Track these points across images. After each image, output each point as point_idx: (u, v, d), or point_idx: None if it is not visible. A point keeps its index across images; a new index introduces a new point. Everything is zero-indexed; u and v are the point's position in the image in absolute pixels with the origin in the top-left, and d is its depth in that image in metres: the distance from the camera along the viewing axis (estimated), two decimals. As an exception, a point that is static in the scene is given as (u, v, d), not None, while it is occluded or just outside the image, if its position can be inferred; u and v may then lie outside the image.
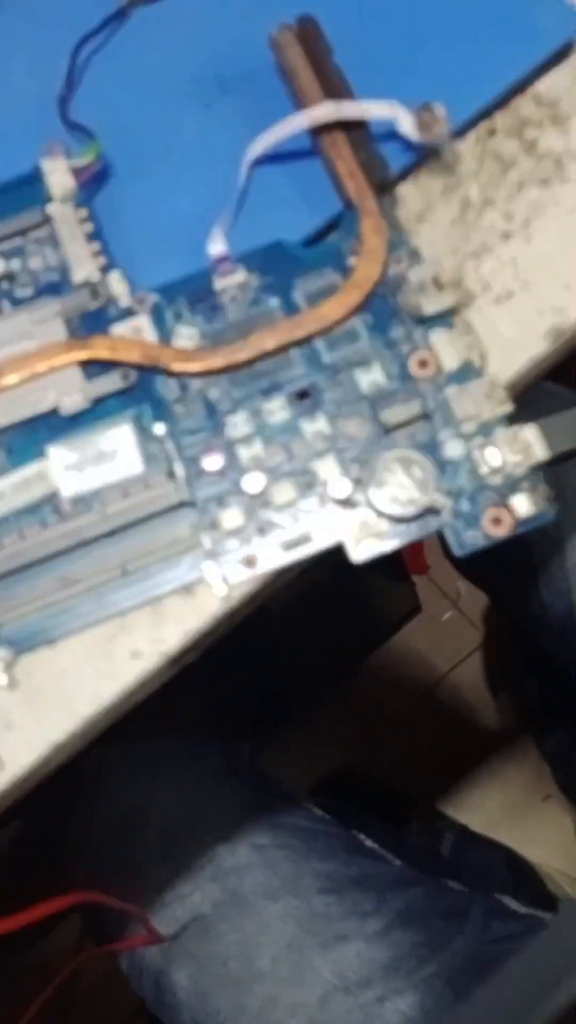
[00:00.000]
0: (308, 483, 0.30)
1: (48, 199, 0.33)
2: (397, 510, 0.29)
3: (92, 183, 0.33)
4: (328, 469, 0.30)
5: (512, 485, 0.30)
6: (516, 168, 0.33)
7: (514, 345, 0.31)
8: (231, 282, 0.32)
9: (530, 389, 0.32)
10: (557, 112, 0.33)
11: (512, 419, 0.30)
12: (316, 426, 0.31)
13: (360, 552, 0.30)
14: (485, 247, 0.32)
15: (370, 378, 0.31)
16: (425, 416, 0.30)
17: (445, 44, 0.34)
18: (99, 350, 0.31)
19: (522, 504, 0.29)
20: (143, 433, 0.31)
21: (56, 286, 0.32)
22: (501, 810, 0.92)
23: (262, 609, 0.33)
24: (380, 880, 0.52)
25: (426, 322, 0.31)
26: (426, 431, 0.30)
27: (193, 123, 0.34)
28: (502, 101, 0.34)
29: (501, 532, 0.29)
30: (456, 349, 0.31)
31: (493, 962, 0.50)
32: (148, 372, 0.31)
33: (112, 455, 0.31)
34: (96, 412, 0.31)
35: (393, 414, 0.30)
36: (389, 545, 0.30)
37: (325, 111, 0.31)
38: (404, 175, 0.33)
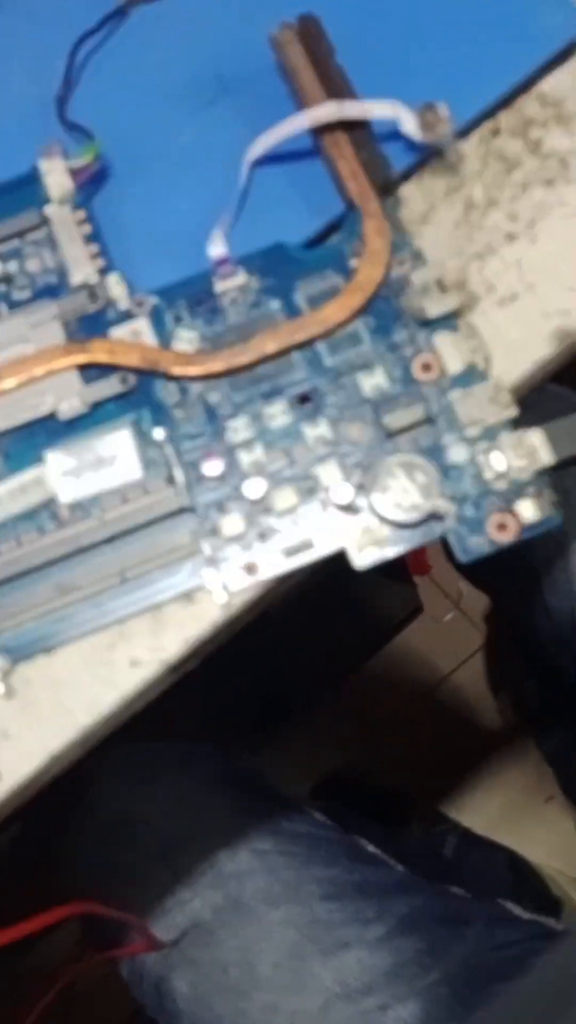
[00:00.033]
0: (310, 488, 0.30)
1: (46, 200, 0.32)
2: (400, 516, 0.29)
3: (90, 184, 0.33)
4: (330, 474, 0.30)
5: (517, 490, 0.29)
6: (520, 168, 0.33)
7: (519, 348, 0.31)
8: (231, 284, 0.31)
9: (534, 391, 0.32)
10: (562, 111, 0.33)
11: (517, 423, 0.30)
12: (318, 430, 0.30)
13: (363, 559, 0.29)
14: (489, 248, 0.32)
15: (372, 382, 0.30)
16: (428, 420, 0.30)
17: (448, 43, 0.33)
18: (98, 354, 0.31)
19: (527, 510, 0.29)
20: (142, 438, 0.30)
21: (54, 289, 0.32)
22: (502, 811, 0.92)
23: (262, 611, 0.32)
24: (382, 886, 0.52)
25: (429, 325, 0.30)
26: (430, 435, 0.30)
27: (193, 123, 0.34)
28: (506, 100, 0.33)
29: (506, 538, 0.29)
30: (460, 352, 0.30)
31: (496, 969, 0.50)
32: (147, 376, 0.31)
33: (111, 460, 0.30)
34: (95, 417, 0.31)
35: (396, 418, 0.30)
36: (392, 552, 0.29)
37: (327, 111, 0.31)
38: (407, 176, 0.33)
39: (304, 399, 0.30)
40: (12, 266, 0.32)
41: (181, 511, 0.30)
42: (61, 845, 0.54)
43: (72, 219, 0.32)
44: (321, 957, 0.48)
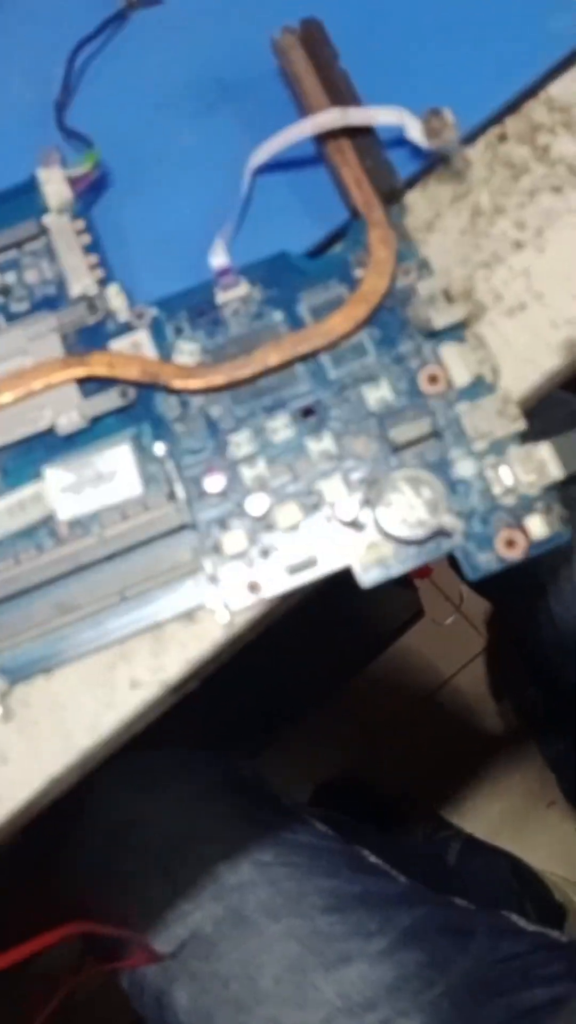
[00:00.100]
0: (313, 504, 0.29)
1: (44, 210, 0.32)
2: (406, 532, 0.28)
3: (89, 192, 0.32)
4: (334, 489, 0.29)
5: (526, 506, 0.28)
6: (528, 175, 0.32)
7: (527, 359, 0.30)
8: (233, 295, 0.31)
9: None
10: (570, 117, 0.32)
11: (525, 436, 0.29)
12: (322, 445, 0.30)
13: (368, 577, 0.29)
14: (496, 257, 0.31)
15: (378, 394, 0.30)
16: (435, 434, 0.29)
17: (454, 47, 0.33)
18: (97, 367, 0.30)
19: (536, 526, 0.28)
20: (142, 453, 0.30)
21: (52, 300, 0.31)
22: (504, 816, 0.91)
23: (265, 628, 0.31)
24: (384, 898, 0.52)
25: (436, 336, 0.30)
26: (436, 450, 0.29)
27: (193, 130, 0.33)
28: (513, 106, 0.32)
29: (515, 555, 0.28)
30: (467, 364, 0.29)
31: (500, 983, 0.49)
32: (148, 389, 0.30)
33: (110, 476, 0.30)
34: (94, 431, 0.30)
35: (402, 432, 0.29)
36: (398, 569, 0.29)
37: (331, 117, 0.30)
38: (412, 183, 0.32)
39: (308, 413, 0.30)
40: (10, 277, 0.31)
41: (182, 528, 0.29)
42: (61, 853, 0.53)
43: (71, 229, 0.31)
44: (323, 971, 0.48)
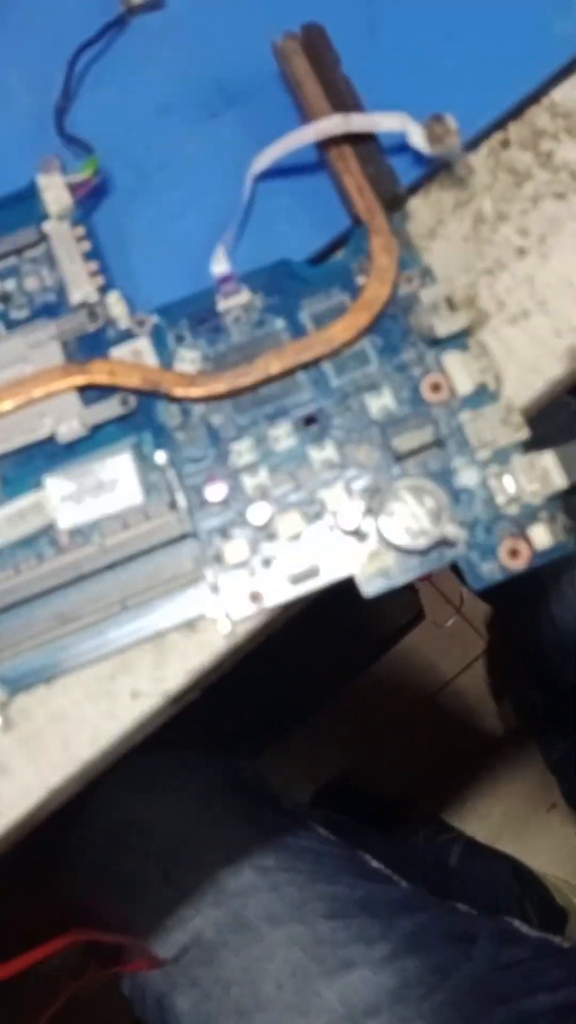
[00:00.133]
0: (316, 513, 0.29)
1: (44, 216, 0.31)
2: (409, 542, 0.28)
3: (90, 199, 0.32)
4: (336, 498, 0.29)
5: (530, 515, 0.28)
6: (531, 181, 0.32)
7: (530, 367, 0.30)
8: (235, 303, 0.30)
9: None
10: (573, 123, 0.32)
11: (528, 445, 0.29)
12: (324, 453, 0.29)
13: (371, 587, 0.28)
14: (499, 264, 0.31)
15: (380, 403, 0.30)
16: (438, 443, 0.29)
17: (456, 52, 0.32)
18: (97, 375, 0.30)
19: (540, 535, 0.28)
20: (143, 461, 0.30)
21: (53, 307, 0.31)
22: (505, 819, 0.91)
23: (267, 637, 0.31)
24: (387, 903, 0.51)
25: (439, 344, 0.30)
26: (439, 458, 0.29)
27: (195, 136, 0.33)
28: (516, 112, 0.32)
29: (519, 565, 0.28)
30: (470, 372, 0.29)
31: (503, 989, 0.49)
32: (148, 397, 0.30)
33: (111, 485, 0.30)
34: (95, 439, 0.30)
35: (404, 441, 0.29)
36: (401, 579, 0.29)
37: (333, 124, 0.30)
38: (414, 189, 0.32)
39: (310, 421, 0.30)
40: (10, 284, 0.31)
41: (183, 537, 0.29)
42: (62, 855, 0.53)
43: (71, 235, 0.31)
44: (325, 977, 0.48)
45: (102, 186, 0.32)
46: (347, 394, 0.30)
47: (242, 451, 0.29)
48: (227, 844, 0.51)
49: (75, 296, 0.31)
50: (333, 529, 0.29)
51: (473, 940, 0.51)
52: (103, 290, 0.31)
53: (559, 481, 0.28)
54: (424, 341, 0.30)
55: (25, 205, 0.32)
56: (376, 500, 0.29)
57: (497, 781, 0.93)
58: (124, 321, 0.30)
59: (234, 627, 0.29)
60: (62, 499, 0.29)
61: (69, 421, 0.30)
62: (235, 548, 0.29)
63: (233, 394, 0.30)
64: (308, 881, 0.50)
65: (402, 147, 0.31)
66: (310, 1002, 0.47)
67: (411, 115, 0.30)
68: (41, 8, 0.34)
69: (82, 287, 0.31)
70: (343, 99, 0.31)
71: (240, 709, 0.72)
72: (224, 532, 0.29)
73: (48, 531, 0.29)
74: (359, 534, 0.29)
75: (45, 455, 0.30)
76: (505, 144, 0.32)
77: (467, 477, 0.29)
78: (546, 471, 0.28)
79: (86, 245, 0.31)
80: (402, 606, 0.94)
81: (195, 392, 0.29)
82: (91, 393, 0.30)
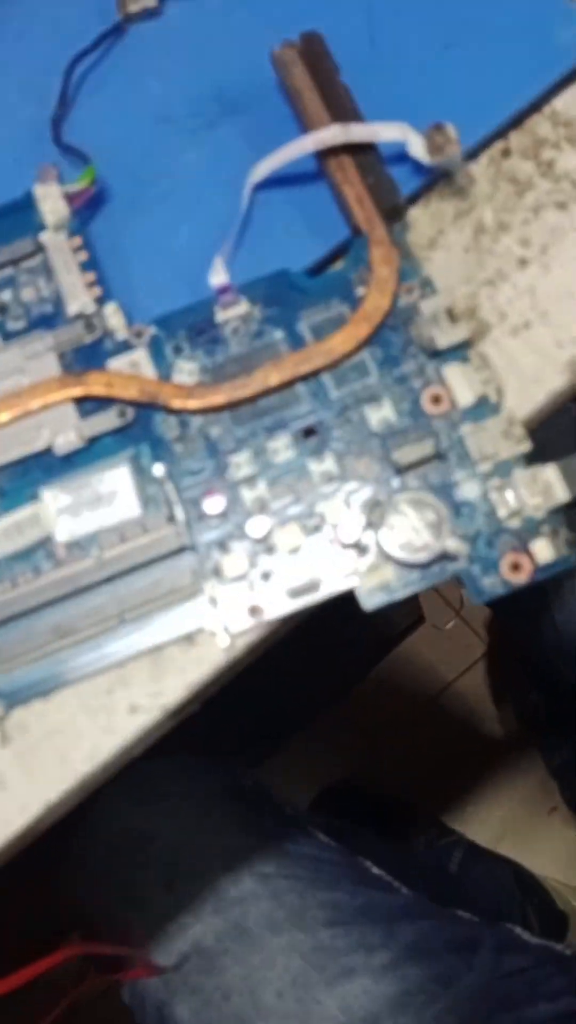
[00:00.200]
0: (315, 526, 0.29)
1: (41, 227, 0.31)
2: (410, 556, 0.28)
3: (87, 209, 0.32)
4: (336, 511, 0.29)
5: (532, 529, 0.28)
6: (532, 191, 0.31)
7: (532, 379, 0.30)
8: (233, 314, 0.30)
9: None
10: (575, 131, 0.32)
11: (530, 458, 0.28)
12: (323, 466, 0.29)
13: (371, 601, 0.28)
14: (500, 275, 0.31)
15: (380, 415, 0.29)
16: (439, 455, 0.29)
17: (457, 61, 0.32)
18: (95, 386, 0.29)
19: (542, 549, 0.28)
20: (141, 474, 0.29)
21: (49, 318, 0.31)
22: (505, 822, 0.91)
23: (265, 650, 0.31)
24: (387, 911, 0.51)
25: (439, 355, 0.29)
26: (440, 471, 0.29)
27: (193, 145, 0.32)
28: (517, 120, 0.32)
29: (520, 579, 0.28)
30: (471, 384, 0.29)
31: (505, 998, 0.49)
32: (146, 409, 0.30)
33: (109, 497, 0.29)
34: (92, 452, 0.30)
35: (405, 453, 0.29)
36: (402, 593, 0.28)
37: (332, 134, 0.30)
38: (414, 199, 0.32)
39: (309, 433, 0.29)
40: (6, 295, 0.31)
41: (182, 550, 0.29)
42: (63, 862, 0.53)
43: (68, 246, 0.31)
44: (326, 985, 0.47)
45: (99, 196, 0.32)
46: (347, 406, 0.29)
47: (241, 463, 0.29)
48: (227, 852, 0.50)
49: (72, 307, 0.31)
50: (333, 542, 0.29)
51: (475, 948, 0.51)
52: (100, 301, 0.31)
53: (561, 495, 0.28)
54: (424, 353, 0.29)
55: (22, 215, 0.31)
56: (376, 513, 0.29)
57: (497, 784, 0.92)
58: (121, 332, 0.30)
59: (233, 641, 0.29)
60: (59, 512, 0.29)
61: (66, 433, 0.29)
62: (234, 561, 0.29)
63: (232, 406, 0.29)
64: (308, 888, 0.50)
65: (402, 157, 0.31)
66: (311, 1010, 0.47)
67: (411, 124, 0.30)
68: (38, 17, 0.34)
69: (79, 298, 0.30)
70: (342, 108, 0.31)
71: (241, 716, 0.72)
72: (223, 545, 0.29)
73: (45, 544, 0.29)
74: (359, 547, 0.28)
75: (42, 467, 0.30)
76: (506, 153, 0.32)
77: (468, 490, 0.28)
78: (548, 484, 0.28)
79: (83, 255, 0.31)
80: (402, 610, 0.94)
81: (193, 404, 0.29)
82: (88, 405, 0.30)
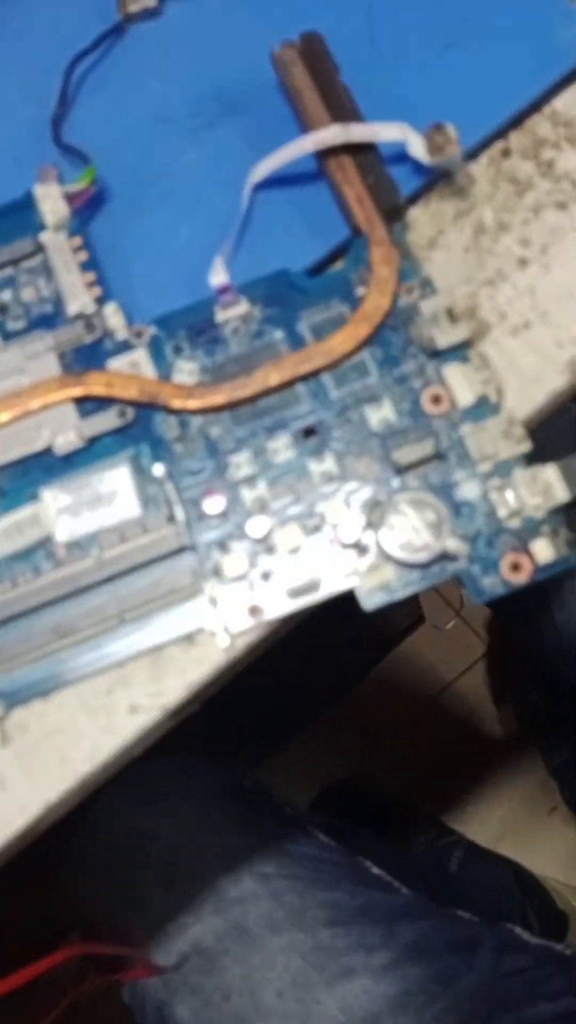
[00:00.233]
0: (315, 526, 0.29)
1: (41, 227, 0.31)
2: (410, 556, 0.28)
3: (87, 209, 0.32)
4: (336, 511, 0.29)
5: (532, 529, 0.28)
6: (532, 191, 0.31)
7: (532, 379, 0.30)
8: (233, 314, 0.30)
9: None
10: (575, 132, 0.32)
11: (531, 458, 0.28)
12: (323, 466, 0.29)
13: (371, 601, 0.28)
14: (501, 274, 0.31)
15: (380, 415, 0.29)
16: (439, 455, 0.29)
17: (457, 61, 0.32)
18: (95, 386, 0.29)
19: (542, 549, 0.28)
20: (141, 474, 0.29)
21: (49, 318, 0.31)
22: (505, 822, 0.91)
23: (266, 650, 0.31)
24: (388, 911, 0.51)
25: (439, 355, 0.29)
26: (440, 471, 0.29)
27: (193, 145, 0.32)
28: (517, 120, 0.32)
29: (520, 579, 0.28)
30: (471, 384, 0.29)
31: (505, 998, 0.49)
32: (146, 409, 0.30)
33: (109, 497, 0.29)
34: (92, 452, 0.30)
35: (405, 453, 0.29)
36: (402, 593, 0.28)
37: (332, 134, 0.30)
38: (415, 199, 0.32)
39: (309, 433, 0.29)
40: (6, 295, 0.31)
41: (182, 550, 0.29)
42: (64, 862, 0.53)
43: (68, 246, 0.31)
44: (326, 985, 0.47)
45: (99, 196, 0.32)
46: (347, 406, 0.29)
47: (241, 463, 0.29)
48: (227, 852, 0.50)
49: (72, 307, 0.30)
50: (333, 542, 0.29)
51: (475, 948, 0.51)
52: (100, 301, 0.31)
53: (562, 495, 0.28)
54: (424, 353, 0.29)
55: (22, 215, 0.31)
56: (376, 513, 0.29)
57: (498, 784, 0.92)
58: (121, 332, 0.30)
59: (233, 641, 0.29)
60: (59, 512, 0.29)
61: (66, 433, 0.29)
62: (234, 561, 0.29)
63: (232, 406, 0.29)
64: (308, 888, 0.50)
65: (402, 157, 0.31)
66: (311, 1010, 0.47)
67: (411, 124, 0.30)
68: (38, 17, 0.34)
69: (79, 298, 0.30)
70: (342, 108, 0.31)
71: (241, 716, 0.72)
72: (223, 545, 0.29)
73: (45, 544, 0.29)
74: (359, 547, 0.28)
75: (42, 467, 0.30)
76: (506, 153, 0.32)
77: (468, 490, 0.28)
78: (548, 484, 0.28)
79: (83, 255, 0.31)
80: (402, 610, 0.94)
81: (193, 404, 0.29)
82: (88, 405, 0.30)
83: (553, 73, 0.31)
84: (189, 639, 0.29)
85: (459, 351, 0.29)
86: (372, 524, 0.28)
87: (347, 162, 0.30)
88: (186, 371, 0.30)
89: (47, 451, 0.30)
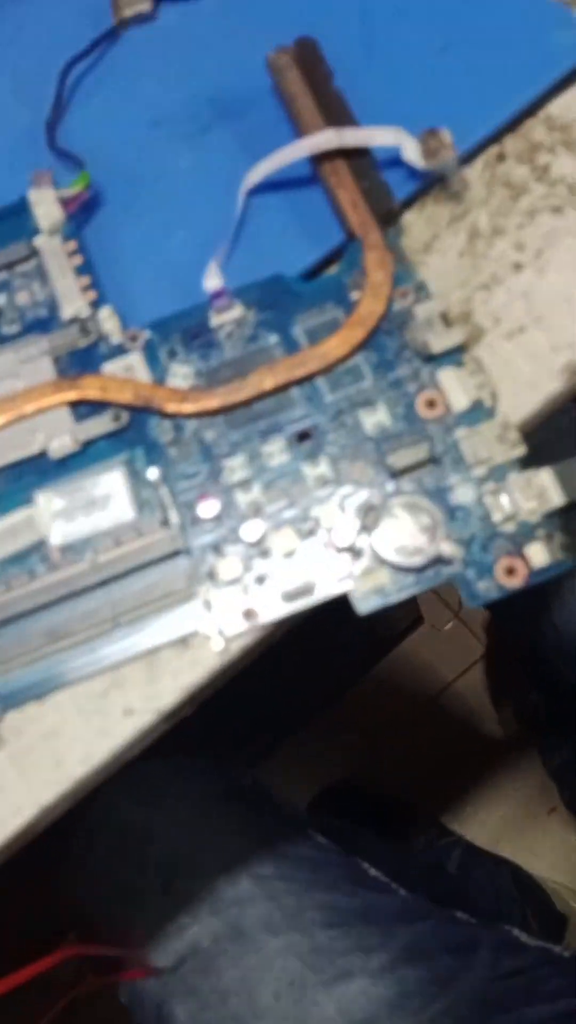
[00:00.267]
0: (309, 530, 0.29)
1: (35, 231, 0.31)
2: (404, 560, 0.28)
3: (81, 213, 0.32)
4: (331, 515, 0.29)
5: (526, 533, 0.28)
6: (527, 195, 0.31)
7: (527, 383, 0.30)
8: (228, 318, 0.30)
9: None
10: (570, 136, 0.32)
11: (525, 462, 0.28)
12: (318, 470, 0.29)
13: (365, 604, 0.28)
14: (495, 279, 0.31)
15: (375, 419, 0.29)
16: (433, 460, 0.29)
17: (452, 66, 0.32)
18: (89, 390, 0.29)
19: (537, 554, 0.28)
20: (135, 478, 0.29)
21: (44, 322, 0.31)
22: (505, 823, 0.91)
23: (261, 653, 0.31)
24: (385, 913, 0.51)
25: (434, 360, 0.29)
26: (434, 475, 0.29)
27: (188, 149, 0.32)
28: (512, 125, 0.32)
29: (515, 583, 0.28)
30: (465, 388, 0.29)
31: (503, 999, 0.49)
32: (141, 413, 0.30)
33: (103, 501, 0.29)
34: (86, 455, 0.30)
35: (399, 457, 0.29)
36: (396, 597, 0.28)
37: (326, 138, 0.30)
38: (409, 204, 0.32)
39: (303, 437, 0.29)
40: (1, 299, 0.31)
41: (176, 554, 0.29)
42: (63, 863, 0.53)
43: (63, 250, 0.31)
44: (323, 987, 0.47)
45: (94, 200, 0.32)
46: (341, 410, 0.29)
47: (235, 467, 0.29)
48: (225, 853, 0.50)
49: (67, 311, 0.31)
50: (327, 546, 0.29)
51: (473, 949, 0.51)
52: (95, 305, 0.31)
53: (556, 499, 0.28)
54: (419, 357, 0.29)
55: (16, 220, 0.31)
56: (371, 517, 0.29)
57: (497, 785, 0.93)
58: (116, 336, 0.30)
59: (227, 644, 0.29)
60: (54, 515, 0.29)
61: (61, 437, 0.29)
62: (228, 565, 0.29)
63: (226, 410, 0.29)
64: (305, 890, 0.50)
65: (396, 161, 0.31)
66: (308, 1012, 0.47)
67: (405, 129, 0.30)
68: (32, 21, 0.34)
69: (74, 302, 0.30)
70: (336, 113, 0.31)
71: (240, 716, 0.72)
72: (217, 549, 0.29)
73: (39, 547, 0.29)
74: (354, 551, 0.29)
75: (36, 471, 0.30)
76: (501, 158, 0.32)
77: (463, 494, 0.28)
78: (543, 488, 0.28)
79: (78, 260, 0.31)
80: (400, 611, 0.94)
81: (188, 408, 0.29)
82: (83, 409, 0.30)
83: (548, 77, 0.31)
84: (183, 642, 0.29)
85: (454, 355, 0.29)
86: (367, 528, 0.29)
87: (341, 167, 0.30)
88: (180, 375, 0.30)
89: (42, 455, 0.30)
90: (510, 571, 0.28)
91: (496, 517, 0.28)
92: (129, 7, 0.34)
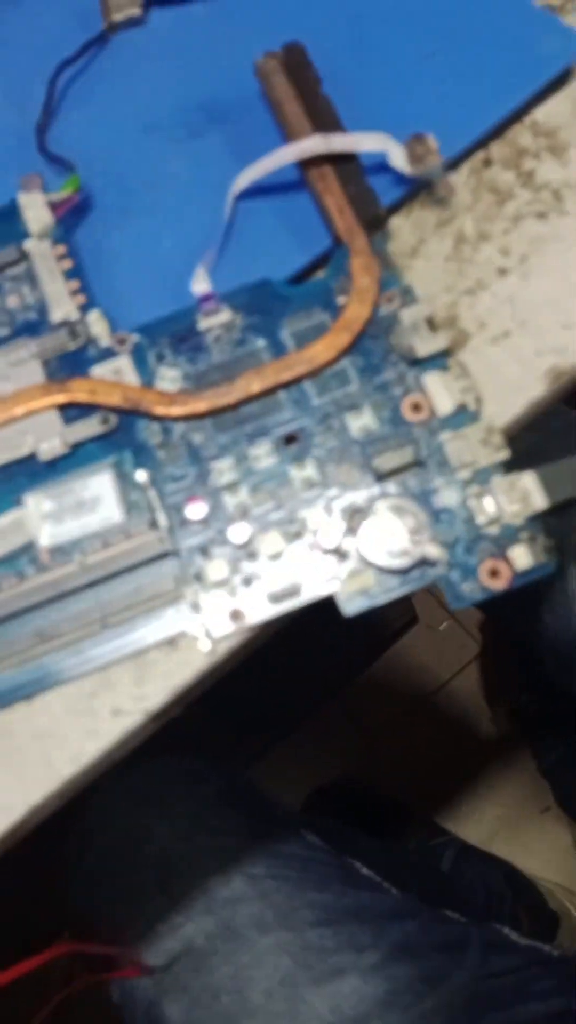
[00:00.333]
0: (296, 532, 0.29)
1: (25, 235, 0.31)
2: (389, 561, 0.28)
3: (71, 217, 0.32)
4: (317, 518, 0.29)
5: (510, 536, 0.28)
6: (513, 201, 0.32)
7: (511, 387, 0.30)
8: (216, 322, 0.30)
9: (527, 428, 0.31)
10: (555, 141, 0.32)
11: (509, 466, 0.29)
12: (305, 472, 0.29)
13: (351, 606, 0.29)
14: (481, 284, 0.31)
15: (361, 422, 0.30)
16: (418, 463, 0.29)
17: (438, 71, 0.32)
18: (78, 393, 0.30)
19: (520, 556, 0.28)
20: (124, 480, 0.30)
21: (33, 326, 0.31)
22: (498, 822, 0.91)
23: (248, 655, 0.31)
24: (376, 911, 0.51)
25: (419, 364, 0.30)
26: (419, 478, 0.29)
27: (177, 154, 0.33)
28: (498, 130, 0.32)
29: (499, 585, 0.28)
30: (450, 392, 0.29)
31: (493, 998, 0.49)
32: (129, 416, 0.30)
33: (92, 503, 0.30)
34: (75, 458, 0.30)
35: (385, 460, 0.29)
36: (382, 598, 0.29)
37: (313, 144, 0.30)
38: (396, 209, 0.32)
39: (290, 440, 0.30)
40: (-10, 302, 0.31)
41: (164, 555, 0.29)
42: (59, 862, 0.53)
43: (52, 254, 0.31)
44: (314, 985, 0.48)
45: (84, 204, 0.32)
46: (328, 414, 0.30)
47: (223, 470, 0.29)
48: (219, 852, 0.51)
49: (56, 314, 0.31)
50: (314, 548, 0.29)
51: (463, 948, 0.51)
52: (84, 308, 0.31)
53: (539, 502, 0.28)
54: (405, 361, 0.30)
55: (6, 223, 0.32)
56: (357, 519, 0.29)
57: (490, 784, 0.93)
58: (105, 339, 0.30)
59: (215, 645, 0.29)
60: (43, 517, 0.29)
61: (50, 439, 0.30)
62: (216, 567, 0.29)
63: (214, 413, 0.30)
64: (297, 889, 0.50)
65: (383, 167, 0.31)
66: (299, 1010, 0.47)
67: (392, 135, 0.30)
68: (21, 25, 0.34)
69: (63, 305, 0.31)
70: (324, 119, 0.31)
71: (235, 716, 0.72)
72: (205, 551, 0.29)
73: (28, 549, 0.29)
74: (340, 553, 0.29)
75: (26, 473, 0.30)
76: (487, 163, 0.32)
77: (447, 497, 0.29)
78: (527, 492, 0.28)
79: (67, 263, 0.31)
80: (395, 610, 0.94)
81: (176, 411, 0.30)
82: (72, 411, 0.30)
83: (534, 83, 0.32)
84: (171, 643, 0.29)
85: (439, 360, 0.30)
86: (352, 530, 0.29)
87: (328, 172, 0.31)
88: (169, 378, 0.30)
89: (31, 457, 0.30)
90: (494, 573, 0.28)
91: (480, 520, 0.28)
92: (119, 11, 0.34)
